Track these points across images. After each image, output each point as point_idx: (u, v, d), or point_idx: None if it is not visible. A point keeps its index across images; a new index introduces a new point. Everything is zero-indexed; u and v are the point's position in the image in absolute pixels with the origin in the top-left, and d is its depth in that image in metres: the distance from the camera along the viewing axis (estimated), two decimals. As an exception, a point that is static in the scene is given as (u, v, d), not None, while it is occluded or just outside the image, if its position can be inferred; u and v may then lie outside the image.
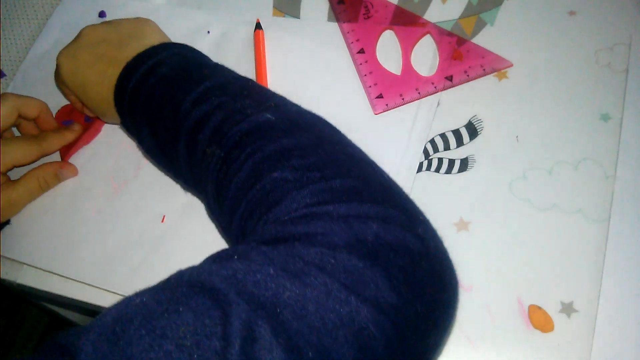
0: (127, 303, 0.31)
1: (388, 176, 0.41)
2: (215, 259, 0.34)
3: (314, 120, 0.44)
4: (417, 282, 0.34)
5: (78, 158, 0.60)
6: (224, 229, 0.44)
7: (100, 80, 0.50)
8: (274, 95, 0.47)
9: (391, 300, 0.32)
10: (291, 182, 0.37)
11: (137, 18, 0.55)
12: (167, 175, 0.54)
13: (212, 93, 0.44)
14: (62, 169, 0.58)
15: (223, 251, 0.36)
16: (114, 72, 0.49)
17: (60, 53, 0.53)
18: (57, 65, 0.54)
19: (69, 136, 0.58)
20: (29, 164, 0.57)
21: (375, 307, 0.31)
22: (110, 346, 0.28)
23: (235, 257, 0.33)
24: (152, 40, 0.51)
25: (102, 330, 0.29)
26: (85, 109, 0.57)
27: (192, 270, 0.33)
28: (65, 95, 0.59)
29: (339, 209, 0.35)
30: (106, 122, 0.59)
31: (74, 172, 0.59)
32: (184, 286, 0.32)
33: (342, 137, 0.44)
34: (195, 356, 0.28)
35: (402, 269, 0.33)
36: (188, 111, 0.44)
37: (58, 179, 0.58)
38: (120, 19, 0.55)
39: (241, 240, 0.39)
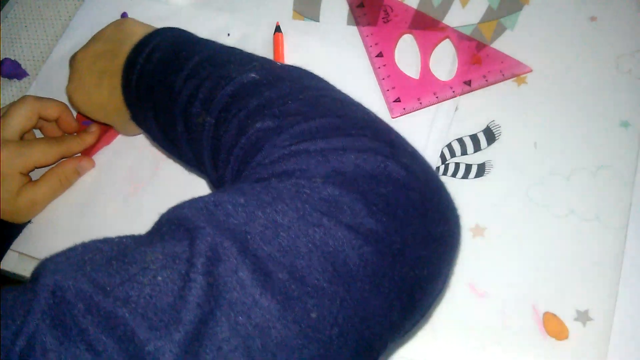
0: (105, 240, 0.32)
1: (373, 114, 0.40)
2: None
3: (299, 72, 0.43)
4: (401, 210, 0.32)
5: (98, 159, 0.60)
6: None
7: (111, 94, 0.51)
8: (258, 57, 0.46)
9: (369, 225, 0.31)
10: (272, 129, 0.37)
11: (114, 22, 0.55)
12: (176, 161, 0.54)
13: (200, 67, 0.44)
14: (81, 163, 0.59)
15: None
16: (115, 82, 0.50)
17: (67, 89, 0.55)
18: (69, 100, 0.55)
19: (88, 139, 0.59)
20: (49, 165, 0.58)
21: (351, 231, 0.30)
22: (74, 270, 0.28)
23: (212, 194, 0.33)
24: (139, 35, 0.51)
25: (69, 256, 0.30)
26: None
27: (170, 208, 0.33)
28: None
29: (317, 144, 0.34)
30: (131, 134, 0.60)
31: (92, 164, 0.60)
32: (164, 224, 0.32)
33: (328, 84, 0.43)
34: (159, 278, 0.28)
35: (383, 197, 0.32)
36: (180, 90, 0.44)
37: (78, 173, 0.59)
38: (98, 32, 0.55)
39: None
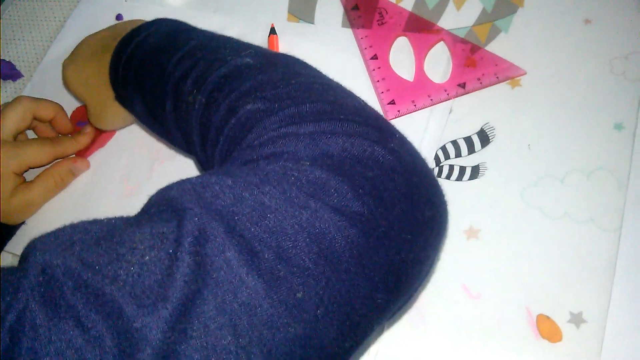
0: (94, 221, 0.32)
1: (363, 101, 0.40)
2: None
3: (292, 60, 0.44)
4: (387, 194, 0.32)
5: (93, 160, 0.60)
6: None
7: (99, 71, 0.51)
8: (253, 45, 0.46)
9: (356, 208, 0.31)
10: (263, 111, 0.37)
11: (130, 20, 0.56)
12: (162, 140, 0.54)
13: (195, 49, 0.45)
14: (76, 164, 0.59)
15: None
16: (110, 57, 0.50)
17: (64, 61, 0.56)
18: (62, 72, 0.56)
19: (83, 140, 0.59)
20: (43, 165, 0.58)
21: (337, 213, 0.30)
22: (63, 249, 0.29)
23: (200, 176, 0.33)
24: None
25: (58, 236, 0.30)
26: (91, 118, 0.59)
27: (160, 189, 0.33)
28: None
29: (306, 127, 0.34)
30: (105, 128, 0.59)
31: (87, 165, 0.60)
32: (153, 205, 0.32)
33: (319, 72, 0.43)
34: (147, 258, 0.28)
35: (370, 180, 0.32)
36: (173, 69, 0.44)
37: (73, 174, 0.59)
38: (114, 24, 0.57)
39: None
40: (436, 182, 0.37)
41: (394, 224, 0.32)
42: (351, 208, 0.31)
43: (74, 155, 0.60)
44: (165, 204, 0.31)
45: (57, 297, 0.27)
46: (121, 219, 0.32)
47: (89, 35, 0.56)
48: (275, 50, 0.61)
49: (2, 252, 0.58)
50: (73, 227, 0.31)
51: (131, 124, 0.59)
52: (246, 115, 0.37)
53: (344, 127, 0.34)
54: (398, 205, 0.33)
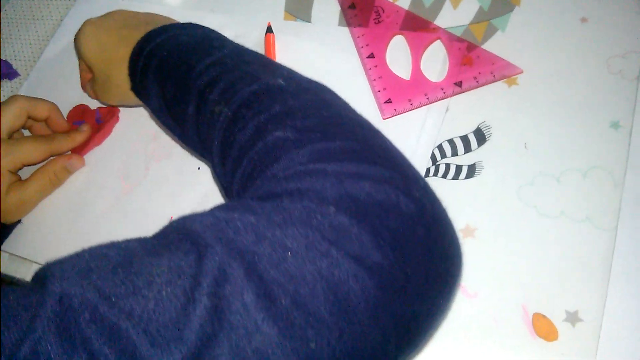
0: (112, 245, 0.32)
1: (391, 143, 0.40)
2: (205, 210, 0.34)
3: (322, 88, 0.44)
4: (408, 245, 0.32)
5: (89, 158, 0.60)
6: (226, 189, 0.44)
7: (119, 43, 0.51)
8: (285, 67, 0.47)
9: (375, 258, 0.31)
10: (292, 141, 0.37)
11: (168, 17, 0.57)
12: (174, 137, 0.54)
13: (226, 59, 0.45)
14: (71, 161, 0.59)
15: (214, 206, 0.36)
16: (135, 36, 0.50)
17: (87, 20, 0.55)
18: (81, 26, 0.55)
19: (78, 137, 0.59)
20: (37, 163, 0.58)
21: (357, 263, 0.30)
22: (81, 278, 0.28)
23: (222, 208, 0.33)
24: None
25: (75, 263, 0.30)
26: (87, 86, 0.58)
27: (181, 218, 0.33)
28: (79, 63, 0.60)
29: (334, 166, 0.34)
30: (104, 99, 0.58)
31: (82, 162, 0.60)
32: (171, 233, 0.32)
33: (348, 105, 0.43)
34: (164, 293, 0.28)
35: (392, 230, 0.32)
36: (202, 72, 0.44)
37: (68, 171, 0.59)
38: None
39: (241, 196, 0.39)
40: (455, 234, 0.37)
41: (411, 278, 0.32)
42: (371, 258, 0.31)
43: (69, 153, 0.60)
44: (185, 235, 0.31)
45: (72, 328, 0.27)
46: (139, 242, 0.32)
47: (122, 9, 0.56)
48: (272, 48, 0.61)
49: (14, 257, 0.58)
50: (91, 252, 0.31)
51: (135, 104, 0.58)
52: (274, 142, 0.37)
53: (371, 171, 0.35)
54: (417, 259, 0.33)
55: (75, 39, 0.56)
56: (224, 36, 0.51)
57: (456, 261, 0.36)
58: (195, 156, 0.55)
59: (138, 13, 0.56)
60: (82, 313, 0.27)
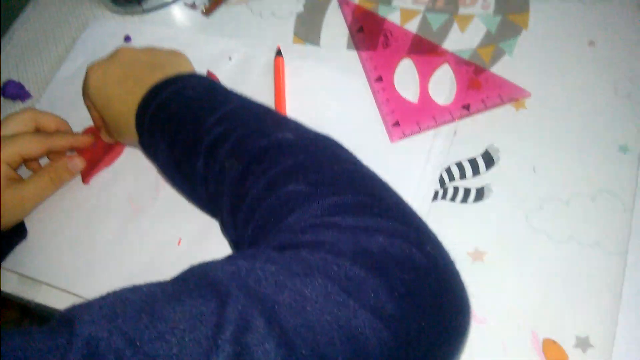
0: (135, 289, 0.32)
1: (400, 196, 0.41)
2: (224, 258, 0.35)
3: (330, 142, 0.45)
4: (421, 298, 0.33)
5: (99, 179, 0.61)
6: (236, 243, 0.44)
7: (125, 97, 0.51)
8: (292, 120, 0.48)
9: (391, 310, 0.32)
10: (305, 194, 0.38)
11: (173, 50, 0.56)
12: (181, 193, 0.54)
13: (235, 113, 0.46)
14: (73, 161, 0.59)
15: (233, 253, 0.37)
16: (140, 91, 0.50)
17: (92, 65, 0.55)
18: (85, 76, 0.55)
19: (80, 139, 0.60)
20: (35, 157, 0.58)
21: (373, 314, 0.31)
22: (107, 322, 0.29)
23: (243, 257, 0.34)
24: (183, 71, 0.52)
25: (102, 307, 0.30)
26: (102, 131, 0.59)
27: (201, 265, 0.34)
28: (88, 109, 0.60)
29: (348, 220, 0.36)
30: (121, 142, 0.59)
31: (83, 163, 0.60)
32: (191, 278, 0.33)
33: (357, 159, 0.44)
34: (187, 339, 0.28)
35: (406, 283, 0.33)
36: (210, 128, 0.45)
37: (70, 172, 0.59)
38: (157, 47, 0.57)
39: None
40: (463, 288, 0.38)
41: (425, 328, 0.33)
42: (387, 310, 0.32)
43: (72, 154, 0.60)
44: (206, 282, 0.32)
45: None
46: (160, 287, 0.32)
47: (127, 48, 0.56)
48: (281, 71, 0.61)
49: (7, 272, 0.58)
50: (115, 296, 0.32)
51: None
52: (287, 195, 0.38)
53: (384, 225, 0.36)
54: (430, 311, 0.34)
55: (83, 88, 0.56)
56: (227, 88, 0.51)
57: (465, 312, 0.37)
58: (202, 209, 0.55)
59: (141, 53, 0.55)
60: (108, 356, 0.27)
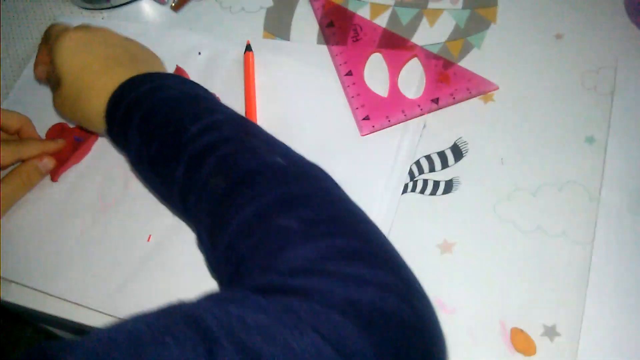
0: (119, 328, 0.31)
1: (387, 240, 0.41)
2: (213, 299, 0.34)
3: (322, 173, 0.44)
4: (407, 356, 0.33)
5: (67, 177, 0.60)
6: (214, 266, 0.43)
7: (102, 70, 0.50)
8: (281, 142, 0.46)
9: None
10: (296, 232, 0.37)
11: (154, 52, 0.56)
12: (151, 191, 0.53)
13: (222, 125, 0.44)
14: (43, 161, 0.58)
15: (221, 293, 0.36)
16: (118, 76, 0.49)
17: (71, 30, 0.52)
18: (61, 38, 0.51)
19: (49, 145, 0.58)
20: (5, 166, 0.57)
21: None
22: None
23: (233, 301, 0.33)
24: (160, 69, 0.53)
25: (86, 350, 0.29)
26: (39, 68, 0.56)
27: (189, 304, 0.33)
28: (39, 51, 0.57)
29: (339, 267, 0.35)
30: (66, 116, 0.55)
31: (54, 162, 0.59)
32: (178, 317, 0.32)
33: (346, 195, 0.43)
34: None
35: (393, 343, 0.33)
36: (195, 136, 0.43)
37: (40, 172, 0.58)
38: (141, 43, 0.56)
39: (235, 280, 0.38)
40: (444, 341, 0.38)
41: None
42: None
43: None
44: (194, 325, 0.31)
45: None
46: (145, 322, 0.32)
47: (111, 31, 0.54)
48: (251, 66, 0.61)
49: None
50: (99, 337, 0.31)
51: (94, 131, 0.56)
52: (278, 231, 0.37)
53: (375, 276, 0.35)
54: None
55: (54, 44, 0.52)
56: (213, 96, 0.50)
57: None
58: (176, 214, 0.54)
59: (125, 41, 0.54)
60: None
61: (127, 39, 0.55)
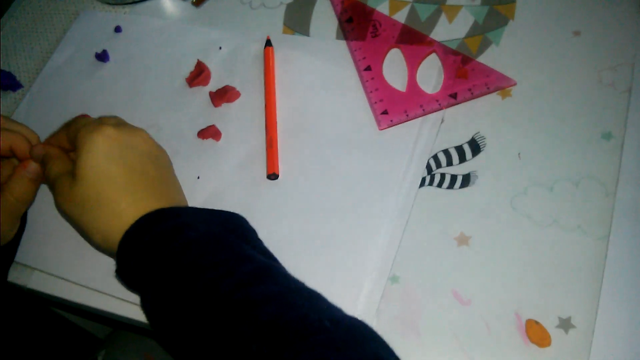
0: None
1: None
2: None
3: (365, 331, 0.41)
4: None
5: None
6: None
7: (126, 192, 0.46)
8: (319, 295, 0.43)
9: None
10: None
11: (156, 150, 0.51)
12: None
13: (255, 278, 0.41)
14: (27, 168, 0.52)
15: None
16: (146, 202, 0.46)
17: (107, 127, 0.47)
18: (95, 132, 0.47)
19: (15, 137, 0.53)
20: None
21: None
22: None
23: None
24: (179, 198, 0.51)
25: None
26: (59, 181, 0.49)
27: None
28: (55, 136, 0.53)
29: None
30: (74, 221, 0.49)
31: (38, 165, 0.53)
32: None
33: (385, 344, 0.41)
34: None
35: None
36: (230, 293, 0.39)
37: (32, 180, 0.53)
38: (165, 155, 0.52)
39: None
40: None
41: None
42: None
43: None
44: None
45: None
46: None
47: (147, 135, 0.50)
48: (271, 61, 0.62)
49: (16, 264, 0.57)
50: None
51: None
52: None
53: None
54: None
55: (85, 137, 0.47)
56: (230, 236, 0.46)
57: None
58: None
59: (159, 157, 0.51)
60: None
61: (158, 149, 0.51)
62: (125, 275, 0.47)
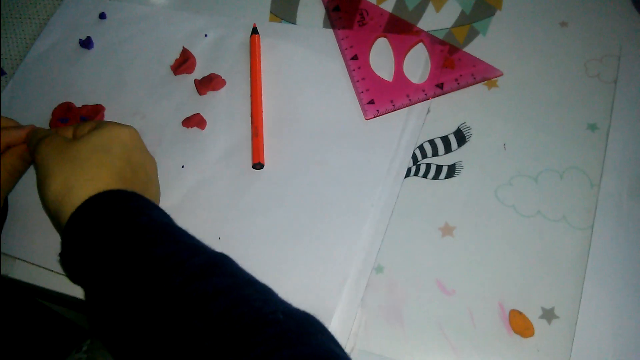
0: None
1: None
2: None
3: (316, 326, 0.40)
4: None
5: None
6: None
7: (119, 178, 0.47)
8: (270, 289, 0.42)
9: None
10: None
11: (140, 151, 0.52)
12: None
13: (207, 270, 0.40)
14: (26, 150, 0.54)
15: None
16: (106, 184, 0.46)
17: (132, 127, 0.51)
18: (124, 128, 0.50)
19: (13, 134, 0.54)
20: None
21: None
22: None
23: None
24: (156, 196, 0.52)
25: None
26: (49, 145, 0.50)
27: None
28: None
29: None
30: (42, 196, 0.48)
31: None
32: None
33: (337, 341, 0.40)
34: None
35: None
36: (182, 286, 0.38)
37: (25, 160, 0.55)
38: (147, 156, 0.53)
39: None
40: None
41: None
42: None
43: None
44: None
45: None
46: None
47: (136, 134, 0.52)
48: (257, 49, 0.61)
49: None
50: None
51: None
52: None
53: None
54: None
55: (108, 124, 0.50)
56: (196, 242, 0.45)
57: None
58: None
59: (145, 163, 0.52)
60: None
61: (146, 154, 0.53)
62: (70, 260, 0.45)
